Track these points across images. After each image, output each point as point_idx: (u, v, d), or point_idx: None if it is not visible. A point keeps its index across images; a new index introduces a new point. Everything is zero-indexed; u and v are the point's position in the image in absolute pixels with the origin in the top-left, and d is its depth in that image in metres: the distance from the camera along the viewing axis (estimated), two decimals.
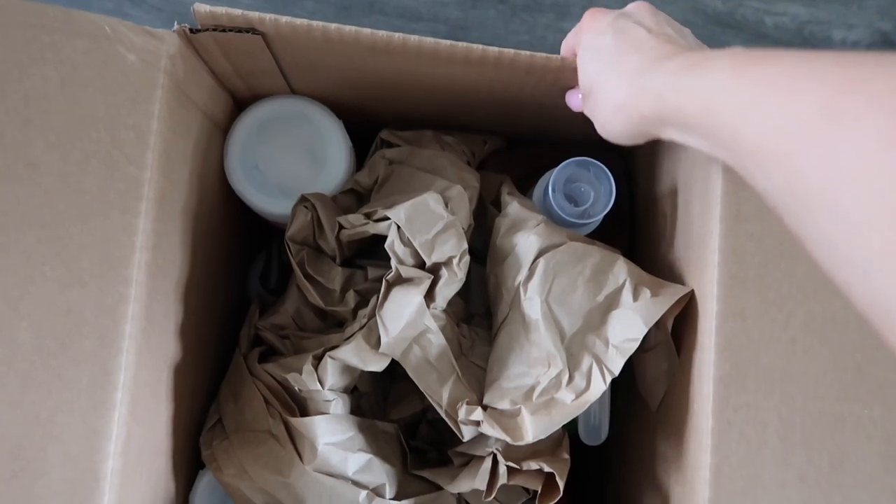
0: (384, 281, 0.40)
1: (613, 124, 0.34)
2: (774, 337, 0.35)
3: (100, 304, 0.33)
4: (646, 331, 0.38)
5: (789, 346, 0.35)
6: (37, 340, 0.33)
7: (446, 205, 0.41)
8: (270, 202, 0.46)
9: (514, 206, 0.42)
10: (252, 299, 0.54)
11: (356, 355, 0.39)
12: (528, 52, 0.37)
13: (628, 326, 0.38)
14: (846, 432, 0.35)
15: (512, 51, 0.37)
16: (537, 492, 0.39)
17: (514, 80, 0.40)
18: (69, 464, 0.32)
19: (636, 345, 0.38)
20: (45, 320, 0.33)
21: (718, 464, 0.35)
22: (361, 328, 0.40)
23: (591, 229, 0.44)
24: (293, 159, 0.47)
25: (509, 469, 0.39)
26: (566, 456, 0.40)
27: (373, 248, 0.46)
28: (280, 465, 0.39)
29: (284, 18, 0.36)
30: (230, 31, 0.37)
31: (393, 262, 0.40)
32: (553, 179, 0.41)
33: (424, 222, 0.40)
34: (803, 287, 0.36)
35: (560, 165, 0.42)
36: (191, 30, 0.37)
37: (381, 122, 0.49)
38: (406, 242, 0.40)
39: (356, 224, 0.42)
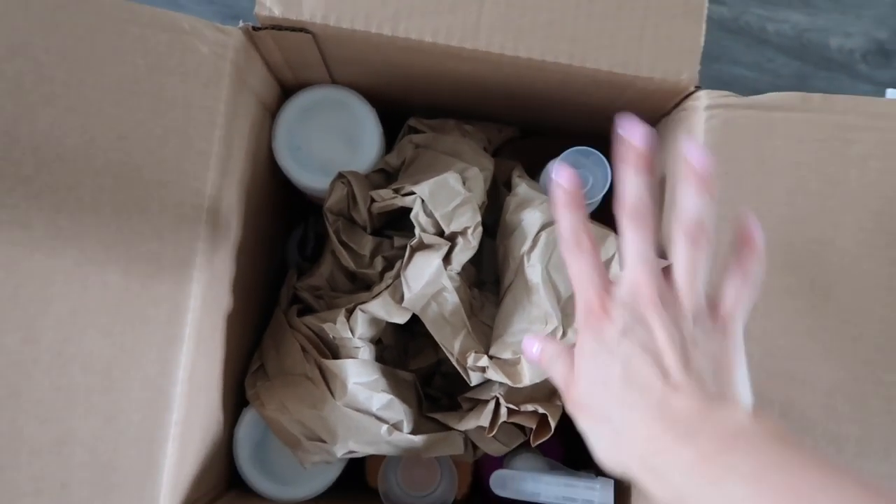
0: (408, 247, 0.47)
1: (608, 461, 0.32)
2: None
3: (175, 255, 0.40)
4: None
5: (754, 314, 0.41)
6: (124, 281, 0.40)
7: (464, 183, 0.47)
8: (311, 178, 0.53)
9: (522, 187, 0.48)
10: (290, 265, 0.61)
11: (383, 308, 0.46)
12: (539, 57, 0.43)
13: None
14: (794, 385, 0.41)
15: (525, 55, 0.43)
16: (532, 430, 0.46)
17: (526, 77, 0.46)
18: (147, 385, 0.40)
19: None
20: (131, 266, 0.40)
21: None
22: (388, 287, 0.47)
23: (591, 210, 0.51)
24: (332, 141, 0.53)
25: (509, 410, 0.45)
26: (559, 403, 0.46)
27: (398, 221, 0.52)
28: (315, 400, 0.46)
29: (332, 21, 0.43)
30: (286, 29, 0.44)
31: (416, 230, 0.46)
32: (557, 165, 0.48)
33: (445, 197, 0.46)
34: (770, 264, 0.42)
35: (563, 154, 0.48)
36: (253, 27, 0.44)
37: (409, 111, 0.55)
38: (428, 214, 0.46)
39: (386, 198, 0.48)
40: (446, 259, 0.46)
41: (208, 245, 0.42)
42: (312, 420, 0.46)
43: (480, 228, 0.46)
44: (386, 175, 0.53)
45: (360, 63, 0.48)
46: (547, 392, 0.47)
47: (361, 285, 0.52)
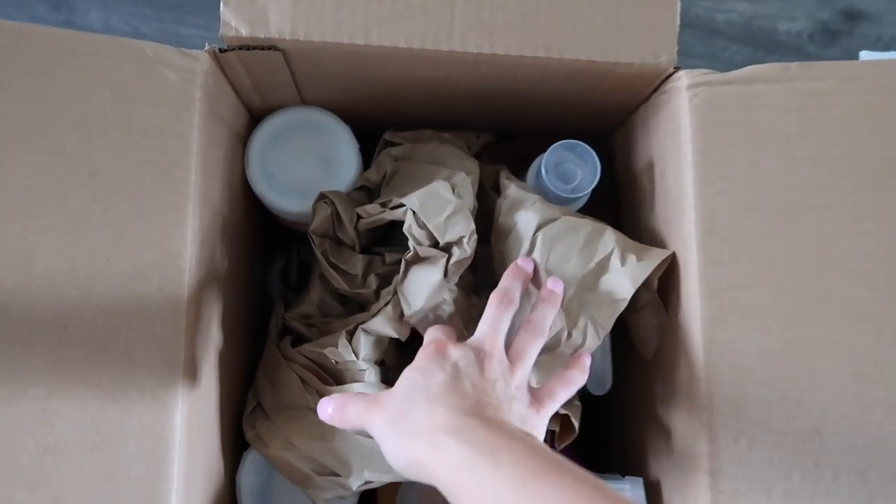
0: (403, 261, 0.45)
1: (404, 455, 0.35)
2: (747, 278, 0.41)
3: (160, 293, 0.38)
4: (633, 291, 0.43)
5: (760, 285, 0.41)
6: (106, 324, 0.37)
7: (453, 190, 0.46)
8: (289, 203, 0.51)
9: (512, 189, 0.47)
10: (273, 296, 0.59)
11: (386, 325, 0.44)
12: (515, 53, 0.42)
13: (618, 288, 0.44)
14: (815, 353, 0.40)
15: (502, 52, 0.42)
16: (555, 433, 0.44)
17: (503, 76, 0.46)
18: (143, 433, 0.37)
19: (625, 303, 0.44)
20: (114, 309, 0.37)
21: (710, 393, 0.40)
22: (387, 303, 0.45)
23: (581, 204, 0.50)
24: (307, 164, 0.52)
25: None
26: (578, 402, 0.45)
27: (386, 237, 0.51)
28: (323, 432, 0.44)
29: (301, 35, 0.41)
30: (254, 49, 0.42)
31: (410, 244, 0.44)
32: (545, 162, 0.47)
33: (436, 207, 0.44)
34: (768, 235, 0.41)
35: (549, 149, 0.47)
36: (220, 49, 0.42)
37: (384, 125, 0.54)
38: (421, 225, 0.44)
39: (373, 213, 0.46)
40: (444, 271, 0.44)
41: (195, 279, 0.39)
42: (322, 453, 0.43)
43: (475, 236, 0.45)
44: (367, 192, 0.52)
45: (332, 78, 0.47)
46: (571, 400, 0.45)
47: (354, 308, 0.50)
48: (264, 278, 0.60)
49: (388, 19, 0.41)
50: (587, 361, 0.42)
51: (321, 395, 0.45)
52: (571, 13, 0.42)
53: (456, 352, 0.38)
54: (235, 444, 0.48)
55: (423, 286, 0.44)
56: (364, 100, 0.50)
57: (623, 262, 0.44)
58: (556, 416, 0.44)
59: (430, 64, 0.44)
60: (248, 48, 0.42)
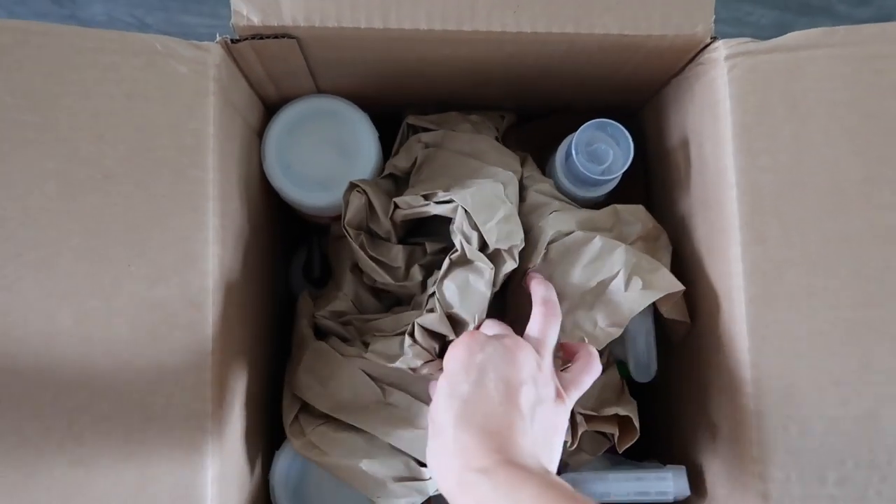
0: (448, 258, 0.42)
1: (438, 474, 0.36)
2: (795, 258, 0.39)
3: (184, 298, 0.37)
4: (629, 319, 0.42)
5: (809, 264, 0.39)
6: (132, 334, 0.36)
7: (504, 191, 0.44)
8: (309, 196, 0.49)
9: (531, 194, 0.46)
10: (295, 291, 0.57)
11: (442, 324, 0.42)
12: (543, 29, 0.40)
13: (613, 312, 0.42)
14: (869, 336, 0.38)
15: (528, 29, 0.40)
16: (614, 436, 0.43)
17: (530, 53, 0.43)
18: (175, 444, 0.36)
19: (620, 331, 0.42)
20: (137, 315, 0.36)
21: (757, 378, 0.39)
22: (432, 295, 0.43)
23: (613, 185, 0.48)
24: (325, 154, 0.50)
25: (587, 417, 0.42)
26: (633, 400, 0.43)
27: (418, 228, 0.49)
28: (408, 421, 0.43)
29: (317, 21, 0.39)
30: (267, 37, 0.40)
31: (458, 242, 0.42)
32: (575, 142, 0.45)
33: (488, 208, 0.42)
34: (816, 211, 0.39)
35: (580, 129, 0.45)
36: (231, 40, 0.40)
37: (403, 110, 0.52)
38: (473, 226, 0.42)
39: (414, 205, 0.44)
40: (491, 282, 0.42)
41: (218, 281, 0.38)
42: (411, 443, 0.43)
43: (523, 244, 0.43)
44: (394, 180, 0.49)
45: (349, 64, 0.45)
46: (616, 390, 0.44)
47: (391, 301, 0.48)
48: (286, 273, 0.59)
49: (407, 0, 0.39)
50: (593, 349, 0.41)
51: (398, 387, 0.44)
52: None
53: (484, 352, 0.37)
54: (265, 445, 0.47)
55: (470, 294, 0.41)
56: (383, 85, 0.48)
57: (627, 285, 0.42)
58: (615, 419, 0.43)
59: (452, 45, 0.42)
60: (261, 37, 0.40)
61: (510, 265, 0.42)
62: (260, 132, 0.49)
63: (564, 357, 0.42)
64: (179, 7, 0.70)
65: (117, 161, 0.37)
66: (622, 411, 0.42)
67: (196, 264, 0.37)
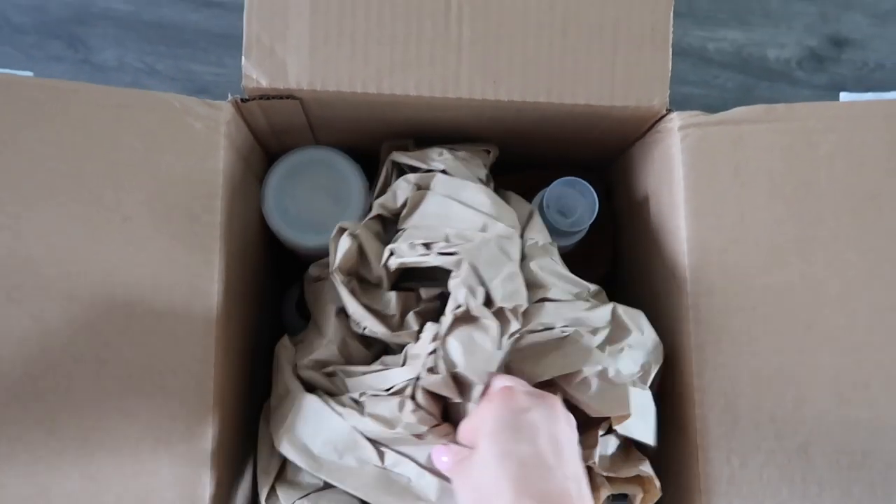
0: (452, 315, 0.40)
1: None
2: (738, 306, 0.44)
3: (191, 329, 0.41)
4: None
5: (751, 312, 0.44)
6: (142, 359, 0.40)
7: (507, 248, 0.43)
8: (302, 237, 0.53)
9: (532, 269, 0.45)
10: (287, 326, 0.61)
11: (445, 386, 0.40)
12: (519, 98, 0.45)
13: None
14: (805, 379, 0.43)
15: (506, 98, 0.45)
16: (636, 497, 0.43)
17: (507, 119, 0.49)
18: (177, 461, 0.39)
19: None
20: (146, 345, 0.40)
21: (704, 416, 0.43)
22: (432, 353, 0.41)
23: (581, 235, 0.53)
24: (319, 200, 0.54)
25: (608, 479, 0.43)
26: (642, 455, 0.44)
27: (408, 272, 0.47)
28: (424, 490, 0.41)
29: (318, 85, 0.44)
30: (273, 98, 0.45)
31: (462, 297, 0.40)
32: (546, 198, 0.50)
33: (495, 264, 0.41)
34: (756, 265, 0.44)
35: (551, 186, 0.50)
36: (241, 99, 0.45)
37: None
38: (479, 281, 0.41)
39: (409, 255, 0.43)
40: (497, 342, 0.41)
41: (222, 315, 0.42)
42: None
43: (526, 304, 0.42)
44: (382, 221, 0.48)
45: (346, 122, 0.50)
46: (626, 448, 0.44)
47: (379, 348, 0.46)
48: (280, 307, 0.63)
49: (399, 69, 0.44)
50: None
51: (396, 451, 0.41)
52: (570, 61, 0.45)
53: (531, 409, 0.35)
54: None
55: (476, 352, 0.40)
56: (375, 140, 0.53)
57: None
58: (639, 479, 0.43)
59: (438, 109, 0.47)
60: (268, 97, 0.45)
61: (514, 325, 0.40)
62: (261, 177, 0.54)
63: None
64: (188, 55, 0.75)
65: (136, 206, 0.41)
66: (645, 472, 0.42)
67: (203, 299, 0.41)
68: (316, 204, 0.54)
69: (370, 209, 0.49)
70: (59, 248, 0.40)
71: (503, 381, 0.39)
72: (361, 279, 0.46)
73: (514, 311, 0.40)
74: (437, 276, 0.44)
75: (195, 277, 0.41)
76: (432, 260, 0.42)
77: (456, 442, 0.40)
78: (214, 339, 0.41)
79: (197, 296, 0.41)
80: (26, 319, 0.39)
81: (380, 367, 0.43)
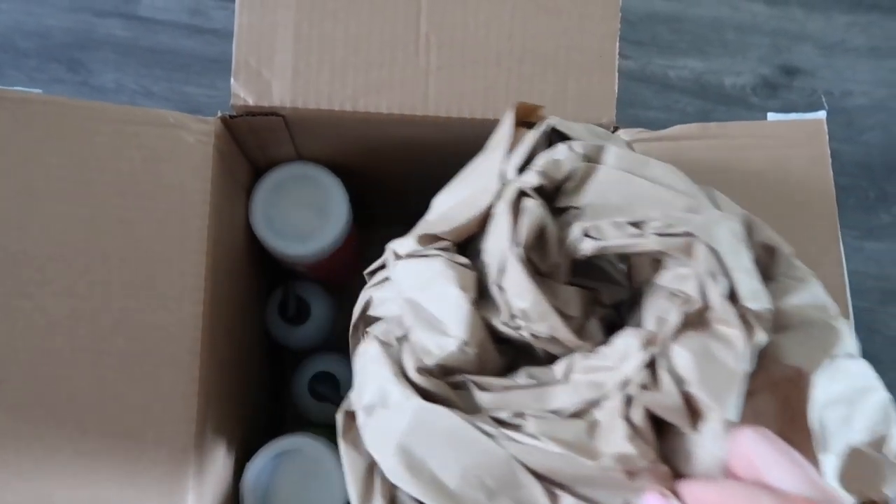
0: (682, 315, 0.30)
1: None
2: None
3: (180, 322, 0.45)
4: None
5: None
6: (128, 346, 0.44)
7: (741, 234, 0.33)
8: (287, 245, 0.58)
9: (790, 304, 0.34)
10: (270, 328, 0.66)
11: (715, 444, 0.27)
12: (480, 116, 0.50)
13: None
14: None
15: (468, 115, 0.50)
16: None
17: (470, 135, 0.53)
18: (160, 469, 0.44)
19: None
20: (138, 336, 0.44)
21: None
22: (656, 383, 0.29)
23: None
24: (303, 211, 0.59)
25: None
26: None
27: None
28: None
29: (300, 103, 0.49)
30: (259, 115, 0.50)
31: (694, 290, 0.30)
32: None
33: (734, 252, 0.31)
34: None
35: None
36: (230, 116, 0.50)
37: (369, 174, 0.62)
38: (723, 271, 0.30)
39: (619, 235, 0.32)
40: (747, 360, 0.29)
41: (209, 310, 0.46)
42: None
43: (773, 310, 0.30)
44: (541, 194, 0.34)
45: (325, 137, 0.55)
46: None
47: (510, 355, 0.34)
48: (263, 310, 0.67)
49: (373, 90, 0.50)
50: None
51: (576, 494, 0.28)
52: (527, 85, 0.50)
53: None
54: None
55: (716, 369, 0.28)
56: (351, 155, 0.58)
57: None
58: None
59: (407, 126, 0.52)
60: (254, 114, 0.50)
61: (760, 336, 0.29)
62: (248, 189, 0.59)
63: None
64: (182, 79, 0.80)
65: (133, 210, 0.46)
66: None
67: (192, 294, 0.46)
68: (300, 215, 0.59)
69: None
70: (67, 248, 0.44)
71: (761, 440, 0.26)
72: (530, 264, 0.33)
73: (760, 316, 0.30)
74: (609, 277, 0.36)
75: (184, 275, 0.46)
76: (649, 243, 0.31)
77: (675, 494, 0.27)
78: (201, 332, 0.45)
79: (186, 292, 0.45)
80: (36, 313, 0.43)
81: (532, 382, 0.32)
